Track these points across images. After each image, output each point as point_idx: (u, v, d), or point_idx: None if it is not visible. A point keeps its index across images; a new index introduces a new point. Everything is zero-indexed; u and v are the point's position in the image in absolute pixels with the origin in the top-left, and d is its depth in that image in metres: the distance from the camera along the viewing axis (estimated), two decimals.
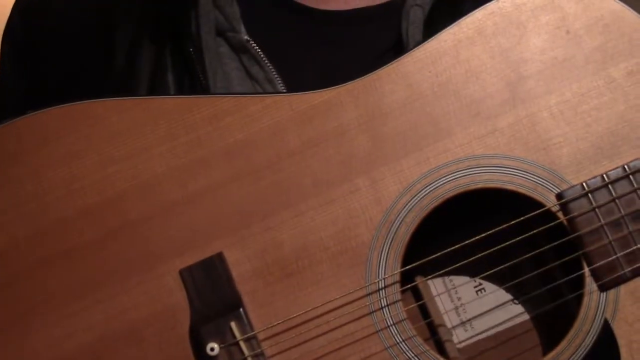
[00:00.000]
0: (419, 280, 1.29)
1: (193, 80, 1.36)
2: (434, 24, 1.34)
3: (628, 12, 1.26)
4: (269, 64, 1.38)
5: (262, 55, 1.38)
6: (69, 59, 1.43)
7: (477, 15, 1.28)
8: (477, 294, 1.33)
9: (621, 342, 1.25)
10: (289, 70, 1.38)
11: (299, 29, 1.40)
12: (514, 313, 1.32)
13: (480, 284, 1.33)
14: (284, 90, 1.37)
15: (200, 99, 1.30)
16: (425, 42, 1.28)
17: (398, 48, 1.36)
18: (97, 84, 1.39)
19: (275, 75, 1.37)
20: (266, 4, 1.41)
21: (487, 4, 1.28)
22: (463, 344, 1.33)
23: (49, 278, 1.29)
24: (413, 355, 1.26)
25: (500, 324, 1.32)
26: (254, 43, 1.38)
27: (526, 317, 1.32)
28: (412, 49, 1.28)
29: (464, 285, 1.31)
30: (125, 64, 1.40)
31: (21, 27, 1.47)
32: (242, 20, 1.39)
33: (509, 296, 1.32)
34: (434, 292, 1.31)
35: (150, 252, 1.29)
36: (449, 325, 1.30)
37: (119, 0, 1.43)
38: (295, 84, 1.36)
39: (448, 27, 1.28)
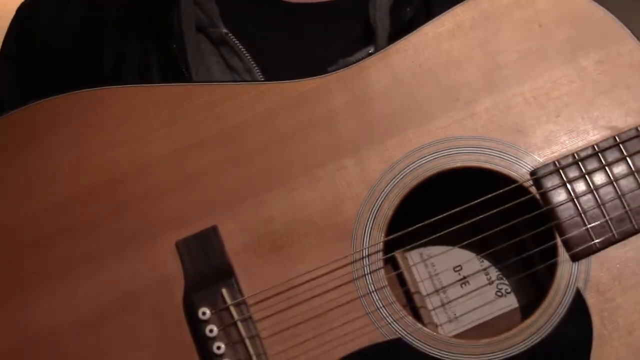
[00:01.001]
0: (397, 252, 1.36)
1: (177, 75, 1.46)
2: (399, 9, 1.45)
3: (595, 7, 1.37)
4: (247, 55, 1.48)
5: (240, 47, 1.48)
6: (61, 67, 1.53)
7: (457, 11, 1.38)
8: (458, 277, 1.39)
9: (592, 310, 1.31)
10: (267, 61, 1.48)
11: (274, 22, 1.51)
12: (494, 293, 1.39)
13: (461, 269, 1.40)
14: (262, 79, 1.46)
15: (199, 86, 1.40)
16: (409, 35, 1.38)
17: (367, 35, 1.47)
18: (87, 85, 1.46)
19: (254, 65, 1.47)
20: (242, 1, 1.52)
21: (466, 1, 1.38)
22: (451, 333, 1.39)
23: (51, 252, 1.37)
24: (392, 320, 1.32)
25: (479, 302, 1.38)
26: (232, 36, 1.48)
27: (507, 299, 1.39)
28: (385, 38, 1.38)
29: (438, 256, 1.38)
30: (113, 64, 1.49)
31: (15, 40, 1.57)
32: (220, 17, 1.49)
33: (486, 272, 1.39)
34: (411, 263, 1.38)
35: (148, 227, 1.37)
36: (424, 293, 1.37)
37: (105, 4, 1.53)
38: (273, 73, 1.46)
39: (429, 22, 1.38)
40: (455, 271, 1.39)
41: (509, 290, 1.39)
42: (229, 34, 1.48)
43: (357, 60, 1.44)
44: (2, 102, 1.57)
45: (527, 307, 1.39)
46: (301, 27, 1.50)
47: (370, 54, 1.45)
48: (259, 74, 1.47)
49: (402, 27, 1.46)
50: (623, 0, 1.44)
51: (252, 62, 1.47)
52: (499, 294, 1.40)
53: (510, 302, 1.39)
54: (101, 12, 1.53)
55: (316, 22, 1.50)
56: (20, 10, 1.59)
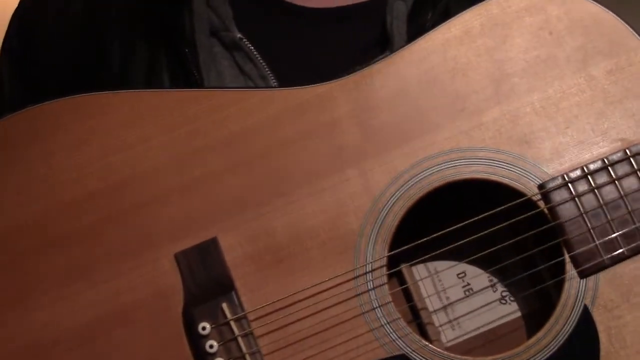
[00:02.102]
0: (404, 266, 1.34)
1: (188, 79, 1.42)
2: (417, 18, 1.41)
3: (608, 15, 1.33)
4: (261, 61, 1.44)
5: (255, 53, 1.44)
6: (63, 63, 1.49)
7: (465, 17, 1.34)
8: (465, 293, 1.37)
9: (600, 327, 1.28)
10: (280, 67, 1.44)
11: (288, 27, 1.47)
12: (501, 309, 1.37)
13: (469, 284, 1.37)
14: (276, 86, 1.43)
15: (201, 92, 1.36)
16: (415, 41, 1.34)
17: (384, 42, 1.43)
18: (93, 87, 1.43)
19: (268, 72, 1.43)
20: (256, 4, 1.48)
21: (474, 6, 1.34)
22: (451, 343, 1.36)
23: (50, 259, 1.34)
24: (397, 337, 1.30)
25: (486, 319, 1.36)
26: (247, 41, 1.44)
27: (513, 310, 1.36)
28: (401, 47, 1.34)
29: (446, 270, 1.36)
30: (120, 66, 1.46)
31: (17, 34, 1.53)
32: (234, 20, 1.45)
33: (494, 288, 1.36)
34: (417, 277, 1.35)
35: (147, 237, 1.34)
36: (430, 309, 1.34)
37: (111, 3, 1.49)
38: (287, 80, 1.42)
39: (437, 27, 1.34)
40: (460, 278, 1.37)
41: (513, 298, 1.37)
42: (244, 39, 1.44)
43: None
44: (3, 98, 1.53)
45: (532, 316, 1.37)
46: (316, 33, 1.46)
47: None
48: (273, 80, 1.43)
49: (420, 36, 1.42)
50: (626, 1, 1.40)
51: (267, 69, 1.44)
52: (503, 302, 1.37)
53: (514, 310, 1.37)
54: (103, 12, 1.49)
55: (332, 27, 1.47)
56: (23, 4, 1.54)
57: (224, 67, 1.44)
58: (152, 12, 1.47)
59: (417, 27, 1.40)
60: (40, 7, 1.53)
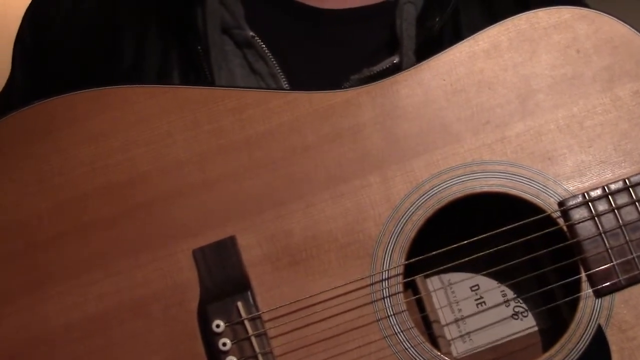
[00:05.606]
0: (418, 276, 1.34)
1: (198, 76, 1.42)
2: (425, 21, 1.42)
3: (636, 36, 1.33)
4: (273, 60, 1.44)
5: (266, 51, 1.45)
6: (76, 59, 1.49)
7: (493, 31, 1.35)
8: (478, 307, 1.37)
9: (613, 347, 1.29)
10: (290, 66, 1.45)
11: (298, 26, 1.47)
12: (513, 324, 1.37)
13: (481, 297, 1.37)
14: (287, 85, 1.44)
15: (226, 91, 1.37)
16: (443, 52, 1.35)
17: (393, 44, 1.44)
18: (105, 82, 1.42)
19: (279, 70, 1.44)
20: (266, 4, 1.49)
21: (503, 21, 1.35)
22: (462, 355, 1.37)
23: (67, 249, 1.34)
24: (409, 345, 1.30)
25: (498, 333, 1.36)
26: (259, 39, 1.45)
27: (525, 326, 1.36)
28: (430, 58, 1.35)
29: (459, 282, 1.36)
30: (132, 62, 1.46)
31: (29, 29, 1.53)
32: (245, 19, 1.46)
33: (506, 303, 1.36)
34: (431, 288, 1.35)
35: (165, 231, 1.34)
36: (442, 322, 1.35)
37: (124, 0, 1.50)
38: (296, 79, 1.43)
39: (465, 40, 1.35)
40: (473, 291, 1.37)
41: (526, 314, 1.37)
42: (256, 37, 1.45)
43: (381, 70, 1.42)
44: (16, 89, 1.53)
45: (543, 332, 1.37)
46: (326, 33, 1.47)
47: (394, 64, 1.42)
48: (283, 79, 1.44)
49: (430, 39, 1.43)
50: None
51: (277, 67, 1.44)
52: (515, 317, 1.37)
53: (526, 326, 1.37)
54: (116, 7, 1.49)
55: (342, 28, 1.47)
56: (35, 7, 1.55)
57: (235, 66, 1.44)
58: (165, 8, 1.47)
59: (426, 30, 1.42)
60: (53, 3, 1.52)
